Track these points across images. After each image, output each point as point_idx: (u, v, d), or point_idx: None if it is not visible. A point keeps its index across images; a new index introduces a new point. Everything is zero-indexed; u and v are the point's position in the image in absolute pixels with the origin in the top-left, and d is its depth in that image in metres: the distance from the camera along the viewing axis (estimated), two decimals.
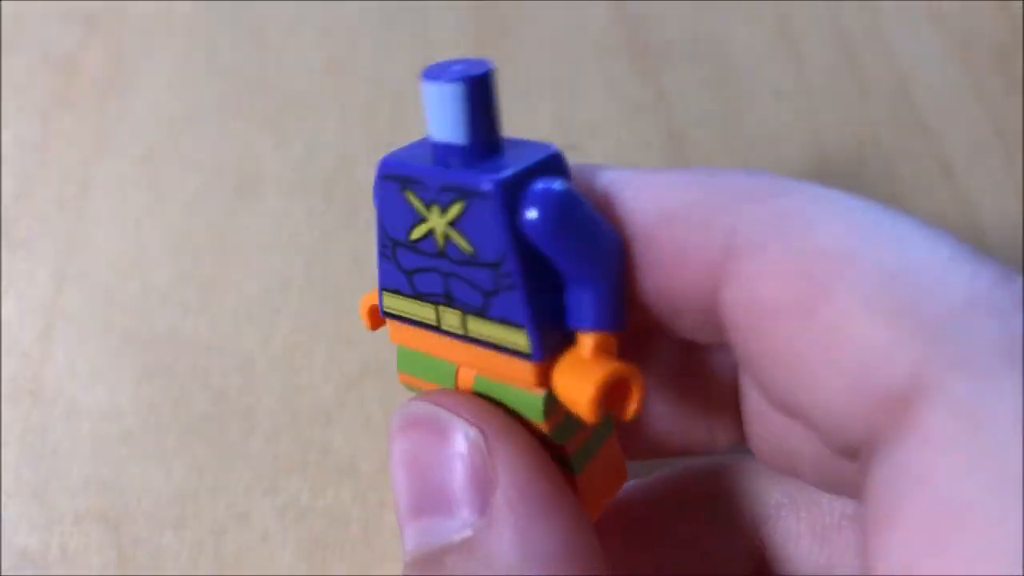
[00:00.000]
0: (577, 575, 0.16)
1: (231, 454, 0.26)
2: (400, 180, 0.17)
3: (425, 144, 0.18)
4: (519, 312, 0.17)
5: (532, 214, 0.16)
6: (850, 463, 0.17)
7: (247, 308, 0.28)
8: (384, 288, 0.19)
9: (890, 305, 0.14)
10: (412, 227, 0.17)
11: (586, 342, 0.17)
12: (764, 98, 0.33)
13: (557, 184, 0.16)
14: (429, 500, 0.18)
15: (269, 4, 0.33)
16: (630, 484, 0.23)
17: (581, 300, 0.17)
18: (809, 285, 0.15)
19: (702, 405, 0.22)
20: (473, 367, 0.18)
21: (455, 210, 0.17)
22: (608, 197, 0.18)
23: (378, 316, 0.20)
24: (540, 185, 0.16)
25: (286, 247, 0.29)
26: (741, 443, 0.24)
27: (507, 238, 0.16)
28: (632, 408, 0.17)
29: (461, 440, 0.17)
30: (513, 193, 0.16)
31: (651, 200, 0.17)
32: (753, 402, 0.21)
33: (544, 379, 0.17)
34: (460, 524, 0.17)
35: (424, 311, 0.18)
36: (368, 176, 0.31)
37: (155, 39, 0.32)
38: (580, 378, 0.17)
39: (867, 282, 0.14)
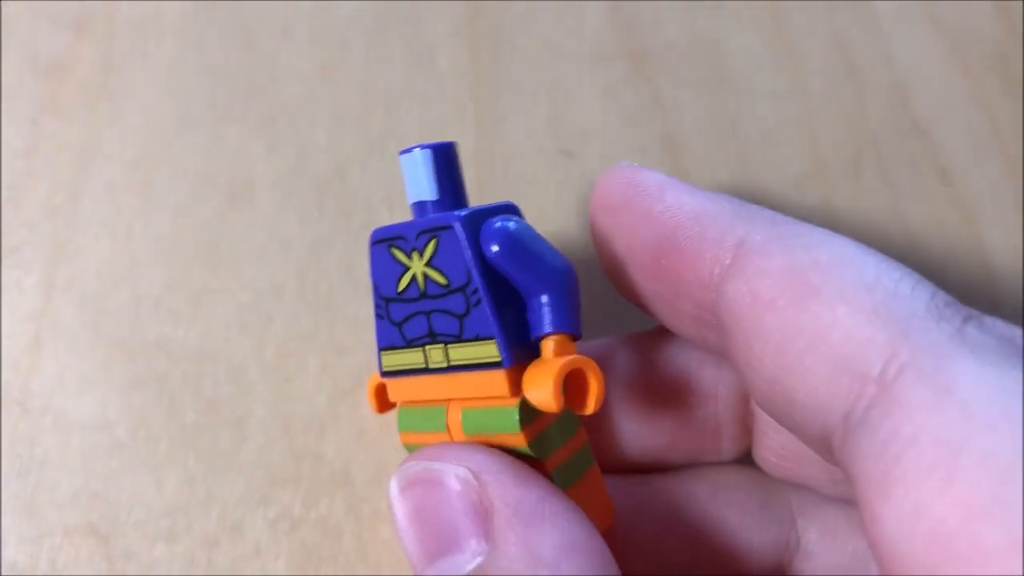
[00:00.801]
0: (586, 573, 0.18)
1: (223, 465, 0.26)
2: (386, 241, 0.21)
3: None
4: (488, 324, 0.19)
5: (490, 235, 0.19)
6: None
7: (239, 316, 0.28)
8: (382, 348, 0.22)
9: (867, 307, 0.17)
10: (399, 279, 0.21)
11: (547, 345, 0.20)
12: (761, 101, 0.33)
13: (508, 217, 0.20)
14: (438, 544, 0.19)
15: (261, 7, 0.33)
16: (662, 476, 0.24)
17: (538, 309, 0.20)
18: (802, 287, 0.18)
19: (710, 417, 0.23)
20: (459, 399, 0.20)
21: (430, 249, 0.20)
22: (657, 192, 0.21)
23: (385, 396, 0.23)
24: (494, 219, 0.20)
25: (279, 254, 0.29)
26: (747, 454, 0.24)
27: (471, 257, 0.19)
28: (592, 400, 0.19)
29: (454, 481, 0.19)
30: (474, 224, 0.20)
31: (687, 203, 0.21)
32: (762, 414, 0.22)
33: (516, 388, 0.20)
34: (470, 555, 0.19)
35: (414, 356, 0.21)
36: (362, 181, 0.30)
37: (145, 43, 0.32)
38: (542, 373, 0.19)
39: (848, 289, 0.17)
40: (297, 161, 0.31)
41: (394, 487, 0.21)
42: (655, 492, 0.23)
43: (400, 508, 0.20)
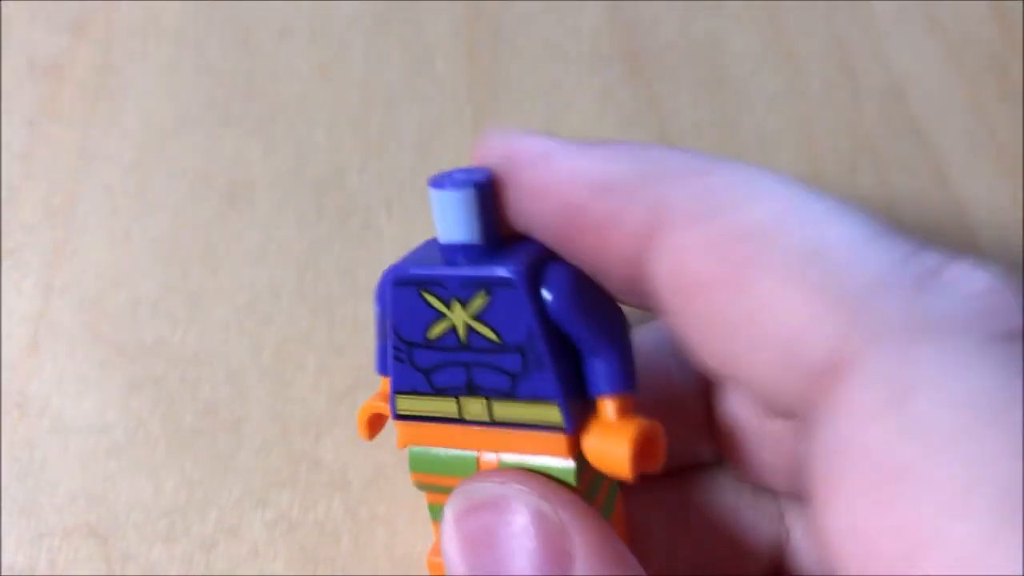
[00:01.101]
0: None
1: (221, 467, 0.26)
2: (416, 284, 0.19)
3: (428, 248, 0.19)
4: (550, 388, 0.18)
5: (554, 296, 0.18)
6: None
7: (237, 319, 0.28)
8: (398, 391, 0.20)
9: (810, 282, 0.15)
10: (430, 326, 0.19)
11: (609, 406, 0.18)
12: (758, 103, 0.33)
13: (566, 266, 0.18)
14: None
15: (260, 8, 0.33)
16: (657, 478, 0.23)
17: (599, 368, 0.18)
18: (734, 263, 0.16)
19: (679, 423, 0.22)
20: (495, 450, 0.19)
21: (479, 302, 0.18)
22: (543, 164, 0.18)
23: (377, 426, 0.21)
24: (554, 269, 0.18)
25: (276, 256, 0.29)
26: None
27: (535, 321, 0.18)
28: (660, 461, 0.19)
29: (532, 515, 0.18)
30: (533, 278, 0.18)
31: (584, 170, 0.18)
32: (726, 418, 0.21)
33: (575, 448, 0.19)
34: None
35: (444, 406, 0.19)
36: (361, 182, 0.30)
37: (143, 44, 0.32)
38: (614, 441, 0.18)
39: (788, 260, 0.15)
40: (296, 162, 0.31)
41: (455, 506, 0.18)
42: (652, 500, 0.23)
43: (459, 530, 0.18)
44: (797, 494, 0.21)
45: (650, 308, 0.18)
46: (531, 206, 0.18)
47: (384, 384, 0.21)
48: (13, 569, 0.24)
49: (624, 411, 0.18)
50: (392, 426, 0.21)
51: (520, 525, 0.18)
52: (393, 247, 0.29)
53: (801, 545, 0.23)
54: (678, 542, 0.23)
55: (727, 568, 0.22)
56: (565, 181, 0.18)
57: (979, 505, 0.13)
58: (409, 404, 0.20)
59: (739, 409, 0.21)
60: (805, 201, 0.16)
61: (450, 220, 0.18)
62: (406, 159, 0.31)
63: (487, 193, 0.18)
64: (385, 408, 0.21)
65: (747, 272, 0.15)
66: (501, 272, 0.18)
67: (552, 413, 0.18)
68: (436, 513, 0.21)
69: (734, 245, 0.16)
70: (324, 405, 0.27)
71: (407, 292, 0.19)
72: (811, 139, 0.32)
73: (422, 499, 0.22)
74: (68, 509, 0.25)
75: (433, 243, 0.19)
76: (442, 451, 0.20)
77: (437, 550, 0.21)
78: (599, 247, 0.18)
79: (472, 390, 0.19)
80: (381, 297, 0.20)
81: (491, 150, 0.19)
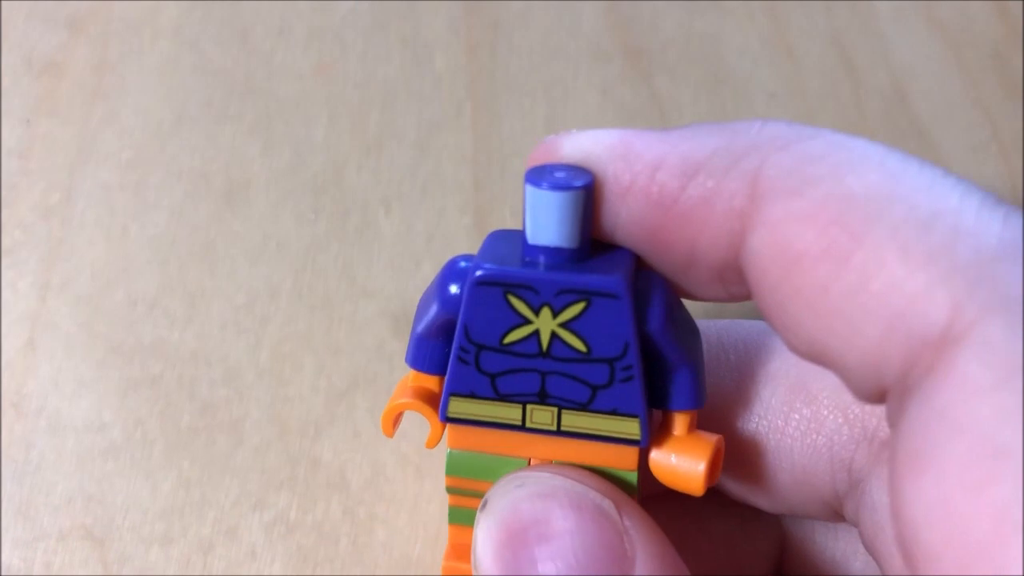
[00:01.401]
0: None
1: (218, 468, 0.26)
2: (502, 286, 0.17)
3: (504, 244, 0.18)
4: (634, 403, 0.18)
5: (657, 312, 0.18)
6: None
7: (235, 318, 0.28)
8: (455, 393, 0.19)
9: (925, 250, 0.14)
10: (509, 331, 0.18)
11: (681, 421, 0.19)
12: (758, 101, 0.33)
13: (661, 279, 0.18)
14: None
15: (257, 6, 0.33)
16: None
17: (680, 383, 0.18)
18: (841, 231, 0.15)
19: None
20: (551, 458, 0.19)
21: (573, 311, 0.17)
22: (627, 157, 0.17)
23: (399, 423, 0.20)
24: (654, 282, 0.18)
25: (274, 255, 0.29)
26: None
27: (633, 335, 0.17)
28: (719, 474, 0.19)
29: (594, 509, 0.17)
30: (634, 291, 0.17)
31: (671, 155, 0.17)
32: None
33: (643, 460, 0.19)
34: None
35: (508, 411, 0.19)
36: (359, 181, 0.30)
37: (141, 42, 0.32)
38: (687, 459, 0.18)
39: (901, 227, 0.14)
40: (293, 161, 0.31)
41: (503, 499, 0.18)
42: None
43: (502, 523, 0.17)
44: (774, 506, 0.21)
45: (738, 298, 0.18)
46: (617, 204, 0.17)
47: (414, 377, 0.20)
48: (9, 570, 0.24)
49: (693, 426, 0.19)
50: (405, 424, 0.20)
51: (581, 524, 0.17)
52: (391, 245, 0.29)
53: (796, 552, 0.22)
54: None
55: None
56: (654, 170, 0.17)
57: None
58: (464, 407, 0.19)
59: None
60: (912, 169, 0.15)
61: (548, 221, 0.17)
62: (405, 157, 0.31)
63: (591, 196, 0.17)
64: (414, 404, 0.20)
65: (855, 240, 0.15)
66: (607, 283, 0.17)
67: (630, 426, 0.18)
68: (458, 517, 0.20)
69: (841, 213, 0.15)
70: (322, 405, 0.27)
71: (490, 293, 0.18)
72: None
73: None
74: (64, 510, 0.25)
75: (506, 239, 0.18)
76: (490, 456, 0.19)
77: (452, 554, 0.20)
78: (693, 235, 0.17)
79: (543, 398, 0.18)
80: (444, 293, 0.18)
81: (558, 150, 0.18)
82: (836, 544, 0.22)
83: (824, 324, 0.15)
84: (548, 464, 0.19)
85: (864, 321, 0.15)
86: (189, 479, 0.26)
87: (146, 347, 0.27)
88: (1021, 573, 0.12)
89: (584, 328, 0.17)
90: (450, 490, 0.20)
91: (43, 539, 0.25)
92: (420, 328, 0.19)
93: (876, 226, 0.15)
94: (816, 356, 0.16)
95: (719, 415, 0.20)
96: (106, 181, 0.30)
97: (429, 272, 0.28)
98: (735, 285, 0.17)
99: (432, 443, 0.20)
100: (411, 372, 0.20)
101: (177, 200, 0.30)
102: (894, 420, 0.15)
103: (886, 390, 0.15)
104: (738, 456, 0.20)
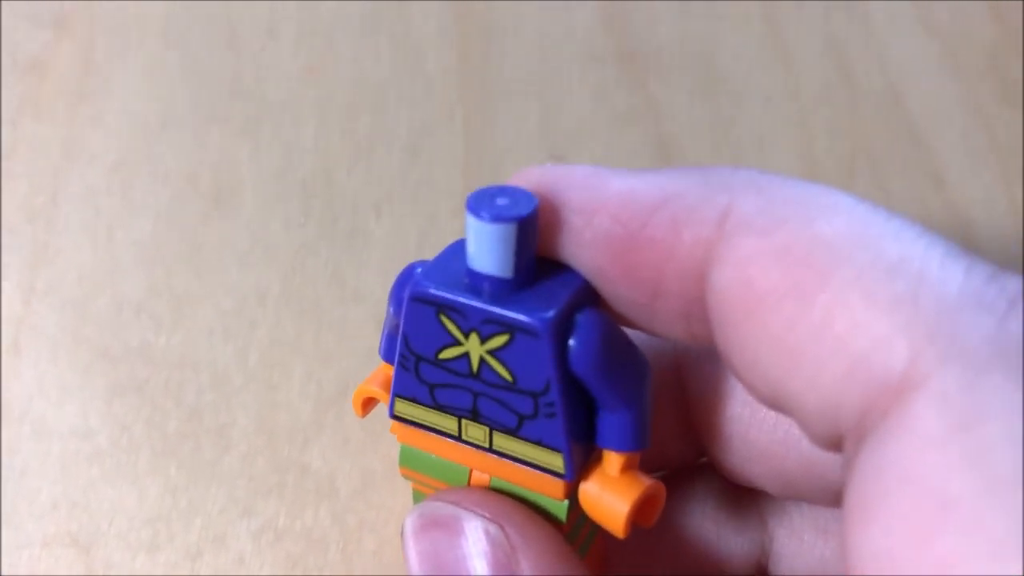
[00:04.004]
0: None
1: (205, 474, 0.25)
2: (435, 305, 0.18)
3: (456, 258, 0.18)
4: (557, 438, 0.18)
5: (581, 351, 0.17)
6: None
7: (222, 323, 0.27)
8: (399, 395, 0.19)
9: (889, 295, 0.14)
10: (442, 348, 0.18)
11: (614, 461, 0.18)
12: (754, 105, 0.32)
13: (597, 319, 0.17)
14: None
15: (246, 6, 0.33)
16: None
17: (613, 424, 0.18)
18: (807, 271, 0.15)
19: (668, 426, 0.22)
20: (490, 473, 0.19)
21: (498, 341, 0.17)
22: (596, 184, 0.17)
23: (370, 406, 0.21)
24: (584, 321, 0.17)
25: (263, 259, 0.29)
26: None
27: (555, 374, 0.17)
28: (654, 518, 0.19)
29: (482, 538, 0.18)
30: (560, 330, 0.17)
31: (641, 188, 0.17)
32: (710, 412, 0.21)
33: (571, 491, 0.18)
34: None
35: (445, 422, 0.19)
36: (349, 184, 0.30)
37: (127, 42, 0.32)
38: (613, 498, 0.18)
39: (867, 271, 0.15)
40: (282, 164, 0.30)
41: (410, 523, 0.19)
42: None
43: (414, 548, 0.18)
44: (783, 491, 0.21)
45: (699, 339, 0.18)
46: (581, 227, 0.17)
47: (384, 368, 0.20)
48: None
49: (629, 467, 0.18)
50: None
51: (468, 548, 0.18)
52: (382, 250, 0.29)
53: (783, 551, 0.22)
54: (655, 551, 0.22)
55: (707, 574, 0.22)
56: (621, 198, 0.17)
57: None
58: (408, 409, 0.19)
59: (725, 401, 0.21)
60: (879, 218, 0.15)
61: (484, 251, 0.17)
62: (395, 160, 0.31)
63: (529, 228, 0.17)
64: (379, 394, 0.20)
65: (819, 283, 0.15)
66: (528, 320, 0.17)
67: (554, 460, 0.18)
68: (420, 499, 0.21)
69: (808, 254, 0.15)
70: (311, 411, 0.26)
71: (425, 310, 0.18)
72: (807, 141, 0.32)
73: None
74: (49, 517, 0.25)
75: (462, 252, 0.18)
76: (433, 457, 0.20)
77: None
78: (660, 262, 0.17)
79: (475, 415, 0.18)
80: (397, 298, 0.19)
81: (534, 177, 0.18)
82: (826, 543, 0.22)
83: (785, 364, 0.15)
84: (449, 490, 0.19)
85: (826, 362, 0.15)
86: (176, 486, 0.25)
87: (132, 352, 0.27)
88: None
89: (509, 359, 0.17)
90: (406, 478, 0.20)
91: (27, 546, 0.24)
92: (386, 324, 0.20)
93: (842, 269, 0.15)
94: (775, 399, 0.16)
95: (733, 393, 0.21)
96: (92, 183, 0.29)
97: None
98: (698, 324, 0.17)
99: (399, 439, 0.20)
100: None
101: (164, 203, 0.29)
102: (849, 465, 0.15)
103: (842, 437, 0.15)
104: (748, 440, 0.20)
